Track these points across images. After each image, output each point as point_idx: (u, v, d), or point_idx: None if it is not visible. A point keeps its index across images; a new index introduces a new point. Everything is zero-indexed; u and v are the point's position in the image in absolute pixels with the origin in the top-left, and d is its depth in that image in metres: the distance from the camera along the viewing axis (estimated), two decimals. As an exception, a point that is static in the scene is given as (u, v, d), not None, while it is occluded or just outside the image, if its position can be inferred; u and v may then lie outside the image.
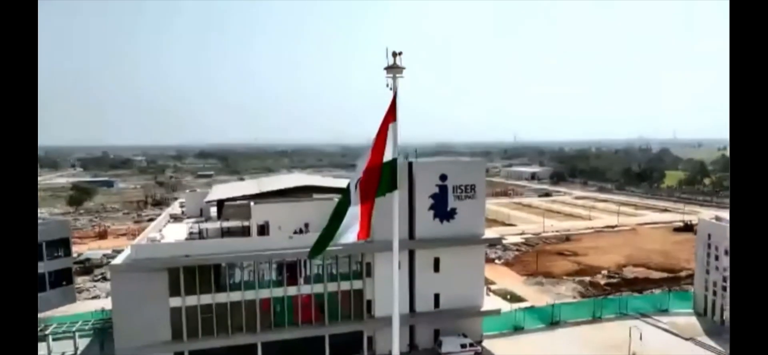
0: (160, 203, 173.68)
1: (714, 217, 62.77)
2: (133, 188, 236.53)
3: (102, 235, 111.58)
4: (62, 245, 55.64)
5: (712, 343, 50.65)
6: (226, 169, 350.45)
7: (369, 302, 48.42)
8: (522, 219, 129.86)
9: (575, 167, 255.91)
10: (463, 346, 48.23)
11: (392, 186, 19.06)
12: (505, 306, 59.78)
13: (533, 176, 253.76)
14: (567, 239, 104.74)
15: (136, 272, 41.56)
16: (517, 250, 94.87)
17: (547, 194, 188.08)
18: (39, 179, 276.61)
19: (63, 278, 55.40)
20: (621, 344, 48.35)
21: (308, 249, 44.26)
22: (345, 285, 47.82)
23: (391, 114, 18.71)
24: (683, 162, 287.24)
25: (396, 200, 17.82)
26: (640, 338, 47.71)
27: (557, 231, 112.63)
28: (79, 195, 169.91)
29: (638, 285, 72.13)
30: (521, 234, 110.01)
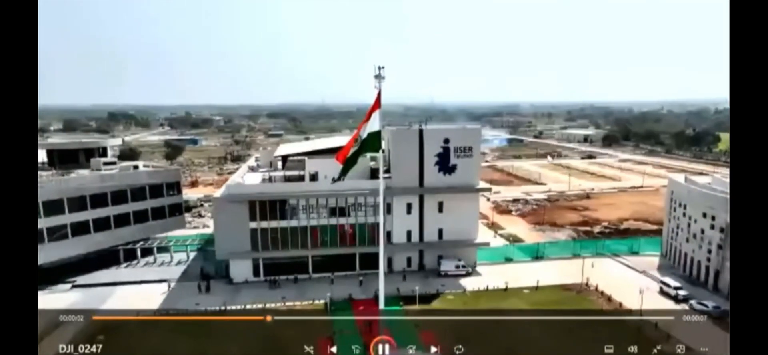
0: (238, 159, 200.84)
1: (684, 178, 74.07)
2: (214, 145, 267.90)
3: (194, 184, 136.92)
4: (175, 187, 77.51)
5: (656, 274, 64.03)
6: (294, 129, 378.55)
7: (389, 232, 66.26)
8: (554, 179, 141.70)
9: (629, 130, 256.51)
10: (457, 266, 65.12)
11: (378, 148, 36.95)
12: (501, 243, 75.95)
13: (586, 139, 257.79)
14: (587, 197, 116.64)
15: (230, 203, 61.81)
16: (536, 204, 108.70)
17: (591, 157, 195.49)
18: (136, 136, 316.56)
19: (176, 210, 77.45)
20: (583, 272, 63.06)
21: (345, 192, 63.02)
22: (371, 219, 65.78)
23: (377, 105, 36.55)
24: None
25: (381, 157, 35.44)
26: (592, 266, 62.46)
27: (582, 190, 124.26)
28: (172, 151, 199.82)
29: (628, 235, 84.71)
30: (547, 191, 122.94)
